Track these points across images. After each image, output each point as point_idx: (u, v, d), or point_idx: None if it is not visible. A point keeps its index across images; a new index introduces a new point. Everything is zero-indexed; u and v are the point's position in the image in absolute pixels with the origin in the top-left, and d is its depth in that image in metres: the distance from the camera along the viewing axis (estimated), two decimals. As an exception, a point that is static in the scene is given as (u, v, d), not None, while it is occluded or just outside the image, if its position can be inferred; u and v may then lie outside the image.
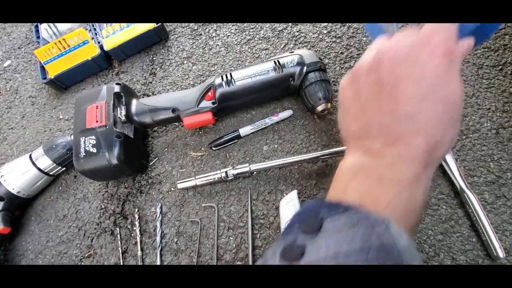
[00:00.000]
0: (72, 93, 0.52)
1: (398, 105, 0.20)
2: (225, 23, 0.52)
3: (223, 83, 0.39)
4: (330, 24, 0.48)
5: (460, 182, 0.33)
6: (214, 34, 0.52)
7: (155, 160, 0.43)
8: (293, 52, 0.40)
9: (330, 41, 0.47)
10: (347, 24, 0.48)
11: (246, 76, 0.39)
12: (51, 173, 0.42)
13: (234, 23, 0.52)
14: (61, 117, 0.50)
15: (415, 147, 0.19)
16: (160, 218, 0.38)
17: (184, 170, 0.41)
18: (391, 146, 0.20)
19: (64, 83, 0.51)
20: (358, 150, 0.22)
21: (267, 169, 0.38)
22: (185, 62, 0.50)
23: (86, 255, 0.39)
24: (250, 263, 0.34)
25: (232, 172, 0.37)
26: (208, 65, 0.49)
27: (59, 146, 0.41)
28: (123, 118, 0.38)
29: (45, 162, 0.41)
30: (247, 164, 0.37)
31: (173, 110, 0.39)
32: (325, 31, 0.48)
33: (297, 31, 0.49)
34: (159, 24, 0.49)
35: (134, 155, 0.39)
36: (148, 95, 0.48)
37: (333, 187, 0.22)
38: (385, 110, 0.20)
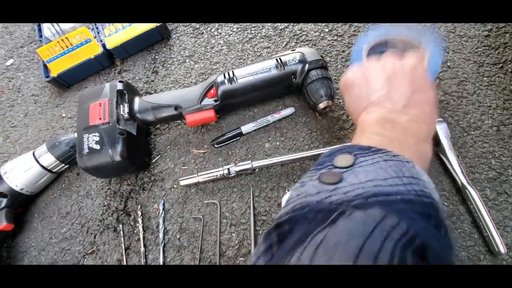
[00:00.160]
0: (75, 92, 0.52)
1: (412, 84, 0.26)
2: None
3: (225, 80, 0.39)
4: (331, 23, 0.49)
5: (461, 178, 0.33)
6: (216, 33, 0.52)
7: (157, 157, 0.43)
8: (294, 50, 0.40)
9: (332, 39, 0.47)
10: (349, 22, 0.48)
11: (248, 74, 0.39)
12: (54, 170, 0.42)
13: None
14: (63, 115, 0.50)
15: (428, 113, 0.26)
16: (162, 215, 0.39)
17: (186, 167, 0.41)
18: (411, 108, 0.25)
19: (66, 82, 0.52)
20: (382, 109, 0.26)
21: (269, 166, 0.38)
22: (187, 60, 0.50)
23: (89, 251, 0.39)
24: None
25: (234, 169, 0.37)
26: (210, 63, 0.49)
27: (62, 143, 0.41)
28: (126, 115, 0.38)
29: (49, 159, 0.41)
30: (249, 161, 0.37)
31: (176, 108, 0.39)
32: (326, 30, 0.48)
33: (299, 30, 0.49)
34: (161, 23, 0.50)
35: (137, 152, 0.39)
36: (150, 93, 0.49)
37: (360, 134, 0.25)
38: (404, 84, 0.26)
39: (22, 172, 0.40)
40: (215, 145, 0.41)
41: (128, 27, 0.50)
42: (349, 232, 0.15)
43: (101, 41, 0.51)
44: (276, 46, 0.48)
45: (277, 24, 0.50)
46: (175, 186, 0.40)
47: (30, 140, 0.50)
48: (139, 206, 0.40)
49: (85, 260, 0.39)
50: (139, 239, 0.38)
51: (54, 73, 0.50)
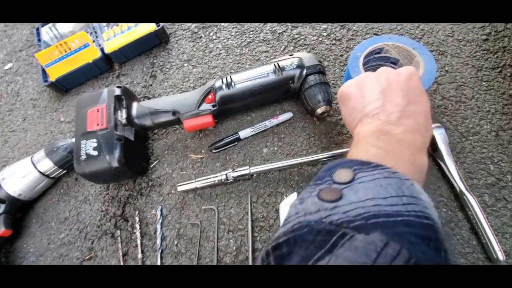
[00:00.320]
0: (73, 96, 0.52)
1: (406, 95, 0.27)
2: (225, 26, 0.53)
3: (223, 85, 0.39)
4: (329, 27, 0.48)
5: (460, 184, 0.33)
6: (214, 37, 0.52)
7: (155, 162, 0.43)
8: (292, 54, 0.40)
9: (330, 44, 0.47)
10: (347, 26, 0.48)
11: (246, 79, 0.39)
12: (52, 176, 0.42)
13: (234, 26, 0.52)
14: (62, 119, 0.50)
15: (422, 123, 0.26)
16: (160, 221, 0.38)
17: (184, 172, 0.41)
18: (406, 119, 0.25)
19: (65, 86, 0.52)
20: (377, 121, 0.26)
21: (267, 171, 0.38)
22: (185, 64, 0.50)
23: (87, 257, 0.39)
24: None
25: (232, 174, 0.37)
26: (208, 67, 0.49)
27: (60, 149, 0.41)
28: (123, 121, 0.38)
29: (46, 165, 0.41)
30: (247, 167, 0.37)
31: (174, 113, 0.39)
32: (324, 34, 0.48)
33: (297, 34, 0.49)
34: (160, 27, 0.50)
35: (135, 158, 0.39)
36: (148, 98, 0.49)
37: (355, 147, 0.25)
38: (399, 95, 0.26)
39: (20, 178, 0.40)
40: (213, 150, 0.41)
41: (127, 31, 0.50)
42: (351, 263, 0.15)
43: (99, 45, 0.51)
44: (274, 50, 0.48)
45: (275, 28, 0.50)
46: (172, 191, 0.40)
47: (29, 145, 0.50)
48: (137, 212, 0.40)
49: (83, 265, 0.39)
50: (136, 245, 0.38)
51: (52, 78, 0.50)
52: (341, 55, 0.46)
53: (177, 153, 0.43)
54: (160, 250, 0.37)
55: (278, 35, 0.50)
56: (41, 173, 0.41)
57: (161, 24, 0.50)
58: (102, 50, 0.50)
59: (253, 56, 0.49)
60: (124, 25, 0.51)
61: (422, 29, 0.46)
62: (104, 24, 0.53)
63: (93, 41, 0.52)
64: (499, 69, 0.40)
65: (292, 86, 0.39)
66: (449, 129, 0.37)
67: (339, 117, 0.41)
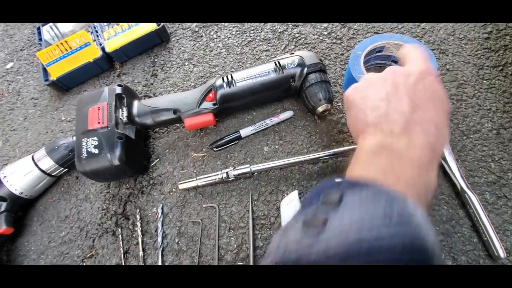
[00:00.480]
0: (74, 95, 0.52)
1: (413, 100, 0.23)
2: (226, 25, 0.53)
3: (224, 84, 0.39)
4: (330, 26, 0.48)
5: (461, 182, 0.33)
6: (215, 36, 0.52)
7: (156, 161, 0.43)
8: (293, 53, 0.40)
9: (331, 43, 0.47)
10: (347, 25, 0.48)
11: (246, 77, 0.39)
12: (53, 174, 0.42)
13: (235, 25, 0.52)
14: (63, 118, 0.50)
15: (429, 134, 0.22)
16: (161, 219, 0.39)
17: (185, 171, 0.41)
18: (410, 130, 0.22)
19: (66, 85, 0.52)
20: (379, 133, 0.23)
21: (268, 169, 0.38)
22: (186, 63, 0.50)
23: (88, 255, 0.39)
24: (251, 264, 0.34)
25: (233, 172, 0.37)
26: (209, 66, 0.49)
27: (61, 147, 0.41)
28: (124, 119, 0.38)
29: (47, 163, 0.41)
30: (248, 165, 0.37)
31: (174, 111, 0.39)
32: (325, 33, 0.48)
33: (298, 33, 0.49)
34: (160, 26, 0.50)
35: (136, 156, 0.39)
36: (149, 97, 0.49)
37: (355, 163, 0.23)
38: (403, 102, 0.23)
39: (21, 176, 0.40)
40: (214, 149, 0.41)
41: (127, 30, 0.50)
42: None
43: (100, 44, 0.51)
44: (275, 49, 0.48)
45: (276, 27, 0.50)
46: (173, 189, 0.40)
47: (30, 144, 0.50)
48: (138, 210, 0.40)
49: (84, 264, 0.39)
50: (137, 243, 0.38)
51: (53, 77, 0.50)
52: (342, 54, 0.46)
53: (178, 152, 0.43)
54: (161, 248, 0.37)
55: (278, 34, 0.50)
56: (42, 171, 0.41)
57: (162, 23, 0.50)
58: (103, 49, 0.50)
59: (254, 55, 0.49)
60: (125, 24, 0.51)
61: (423, 28, 0.46)
62: (105, 23, 0.53)
63: (94, 40, 0.52)
64: (501, 67, 0.40)
65: (293, 84, 0.39)
66: (450, 127, 0.37)
67: (340, 115, 0.41)
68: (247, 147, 0.41)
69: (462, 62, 0.42)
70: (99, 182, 0.43)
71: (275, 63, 0.39)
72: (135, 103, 0.41)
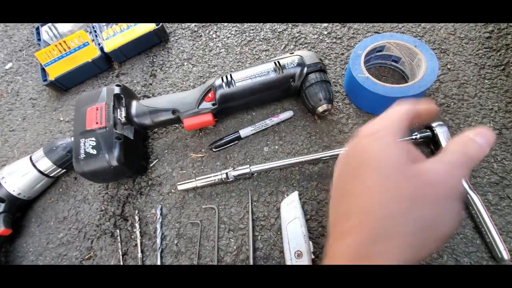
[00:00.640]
0: (73, 95, 0.52)
1: (413, 189, 0.17)
2: (225, 25, 0.52)
3: (223, 84, 0.39)
4: (330, 25, 0.48)
5: (463, 183, 0.32)
6: (214, 36, 0.52)
7: (155, 161, 0.43)
8: (293, 53, 0.40)
9: (331, 42, 0.47)
10: (347, 25, 0.48)
11: (246, 77, 0.39)
12: (51, 175, 0.42)
13: (234, 25, 0.52)
14: (61, 118, 0.50)
15: (422, 242, 0.17)
16: (160, 220, 0.38)
17: (184, 171, 0.41)
18: (399, 234, 0.17)
19: (64, 85, 0.52)
20: (355, 237, 0.18)
21: (268, 170, 0.37)
22: (185, 63, 0.50)
23: (86, 257, 0.39)
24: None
25: (232, 173, 0.37)
26: (208, 66, 0.49)
27: (59, 148, 0.41)
28: (123, 119, 0.38)
29: (45, 164, 0.41)
30: (248, 166, 0.37)
31: (173, 112, 0.39)
32: (325, 32, 0.48)
33: (297, 32, 0.49)
34: (159, 25, 0.49)
35: (134, 157, 0.39)
36: (148, 97, 0.48)
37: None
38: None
39: (19, 177, 0.40)
40: (213, 149, 0.41)
41: (126, 30, 0.50)
42: None
43: (99, 44, 0.51)
44: (275, 49, 0.48)
45: (276, 26, 0.50)
46: (172, 190, 0.40)
47: (28, 144, 0.49)
48: (137, 211, 0.39)
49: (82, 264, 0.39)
50: (136, 245, 0.38)
51: (52, 77, 0.49)
52: (342, 54, 0.45)
53: (177, 152, 0.43)
54: (160, 250, 0.37)
55: (278, 33, 0.49)
56: (40, 172, 0.41)
57: (161, 23, 0.50)
58: (101, 49, 0.50)
59: (253, 55, 0.48)
60: (124, 24, 0.50)
61: (423, 27, 0.45)
62: (104, 23, 0.53)
63: (93, 40, 0.52)
64: (502, 67, 0.40)
65: (293, 84, 0.39)
66: (451, 127, 0.37)
67: (340, 115, 0.41)
68: (247, 148, 0.41)
69: (463, 62, 0.41)
70: (98, 183, 0.43)
71: (274, 62, 0.39)
72: (134, 103, 0.40)
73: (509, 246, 0.30)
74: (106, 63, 0.52)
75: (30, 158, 0.41)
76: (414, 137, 0.35)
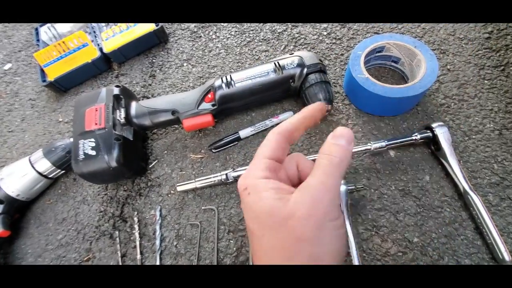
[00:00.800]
0: (72, 96, 0.52)
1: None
2: (224, 26, 0.52)
3: (223, 85, 0.38)
4: (330, 26, 0.48)
5: (463, 184, 0.32)
6: (214, 36, 0.52)
7: (154, 162, 0.42)
8: (293, 53, 0.40)
9: (330, 43, 0.47)
10: (347, 25, 0.48)
11: (246, 78, 0.39)
12: (50, 176, 0.42)
13: (234, 25, 0.52)
14: (60, 119, 0.50)
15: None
16: (159, 221, 0.38)
17: (183, 172, 0.41)
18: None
19: (63, 86, 0.51)
20: None
21: (268, 171, 0.37)
22: (184, 64, 0.50)
23: (85, 258, 0.39)
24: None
25: (232, 174, 0.37)
26: (208, 67, 0.49)
27: (58, 149, 0.41)
28: (122, 120, 0.38)
29: (44, 165, 0.40)
30: (248, 166, 0.36)
31: (173, 112, 0.39)
32: (325, 33, 0.48)
33: (297, 33, 0.48)
34: (159, 26, 0.49)
35: (134, 158, 0.39)
36: (147, 98, 0.48)
37: None
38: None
39: (18, 178, 0.40)
40: (212, 150, 0.41)
41: (126, 31, 0.50)
42: None
43: (98, 45, 0.51)
44: (274, 50, 0.48)
45: (275, 27, 0.50)
46: (172, 191, 0.40)
47: (27, 145, 0.49)
48: (136, 212, 0.39)
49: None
50: (135, 246, 0.37)
51: (51, 78, 0.49)
52: (342, 54, 0.45)
53: (177, 153, 0.42)
54: (159, 251, 0.36)
55: (278, 34, 0.49)
56: (39, 173, 0.40)
57: (160, 24, 0.50)
58: (101, 49, 0.50)
59: (253, 55, 0.48)
60: (123, 25, 0.50)
61: (423, 28, 0.45)
62: (103, 23, 0.53)
63: (92, 40, 0.52)
64: (502, 67, 0.40)
65: (293, 85, 0.39)
66: (451, 128, 0.37)
67: (340, 116, 0.41)
68: (247, 148, 0.41)
69: (463, 62, 0.41)
70: (97, 184, 0.43)
71: (274, 63, 0.39)
72: (133, 104, 0.40)
73: (510, 247, 0.30)
74: (106, 63, 0.51)
75: (29, 159, 0.41)
76: (414, 137, 0.35)
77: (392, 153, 0.37)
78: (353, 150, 0.30)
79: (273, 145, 0.21)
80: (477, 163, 0.35)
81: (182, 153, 0.42)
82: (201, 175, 0.39)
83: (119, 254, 0.37)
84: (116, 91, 0.39)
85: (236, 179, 0.37)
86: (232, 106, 0.40)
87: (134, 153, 0.39)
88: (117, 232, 0.39)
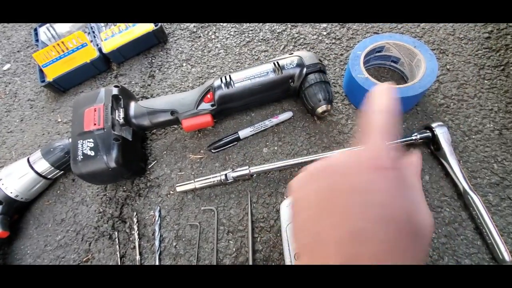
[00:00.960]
0: (71, 96, 0.52)
1: (349, 217, 0.16)
2: (224, 26, 0.52)
3: (222, 85, 0.38)
4: (329, 26, 0.48)
5: (463, 183, 0.32)
6: (213, 36, 0.52)
7: (153, 163, 0.42)
8: (292, 53, 0.40)
9: (330, 43, 0.47)
10: (347, 25, 0.48)
11: (245, 78, 0.38)
12: (49, 177, 0.42)
13: (233, 25, 0.52)
14: (59, 120, 0.50)
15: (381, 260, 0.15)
16: (158, 222, 0.38)
17: (183, 173, 0.41)
18: (350, 259, 0.15)
19: (62, 86, 0.51)
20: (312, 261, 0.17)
21: (267, 171, 0.37)
22: (184, 64, 0.50)
23: (84, 259, 0.38)
24: (250, 268, 0.33)
25: (231, 174, 0.37)
26: (207, 67, 0.49)
27: (57, 150, 0.40)
28: (121, 120, 0.38)
29: (43, 166, 0.40)
30: (247, 167, 0.36)
31: (172, 113, 0.39)
32: (324, 33, 0.48)
33: (297, 33, 0.48)
34: (158, 26, 0.49)
35: (133, 158, 0.39)
36: (146, 98, 0.48)
37: None
38: (336, 218, 0.17)
39: (17, 179, 0.40)
40: (212, 150, 0.41)
41: (125, 31, 0.50)
42: None
43: (97, 45, 0.51)
44: (274, 50, 0.48)
45: (275, 27, 0.50)
46: (171, 192, 0.40)
47: (26, 146, 0.49)
48: (135, 213, 0.39)
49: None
50: (134, 247, 0.37)
51: (50, 78, 0.49)
52: (341, 54, 0.45)
53: (176, 153, 0.42)
54: (158, 252, 0.36)
55: (277, 34, 0.49)
56: (38, 174, 0.40)
57: (159, 24, 0.49)
58: (100, 50, 0.50)
59: (253, 55, 0.48)
60: (122, 25, 0.50)
61: (422, 28, 0.45)
62: (102, 24, 0.53)
63: (91, 41, 0.51)
64: (502, 67, 0.40)
65: (292, 85, 0.39)
66: (451, 128, 0.37)
67: (339, 116, 0.41)
68: (246, 149, 0.41)
69: (462, 62, 0.41)
70: (96, 185, 0.42)
71: (274, 63, 0.39)
72: (132, 104, 0.40)
73: (510, 247, 0.30)
74: (105, 64, 0.51)
75: (28, 160, 0.41)
76: (414, 137, 0.35)
77: (391, 153, 0.37)
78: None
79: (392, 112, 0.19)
80: (476, 163, 0.35)
81: (182, 153, 0.42)
82: (201, 176, 0.39)
83: (118, 255, 0.37)
84: (115, 91, 0.39)
85: (235, 179, 0.37)
86: (232, 106, 0.40)
87: (133, 153, 0.39)
88: (116, 233, 0.39)
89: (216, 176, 0.37)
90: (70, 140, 0.38)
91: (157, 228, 0.37)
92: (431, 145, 0.35)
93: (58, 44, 0.49)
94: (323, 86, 0.37)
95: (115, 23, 0.51)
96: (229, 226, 0.36)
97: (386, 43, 0.38)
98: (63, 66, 0.49)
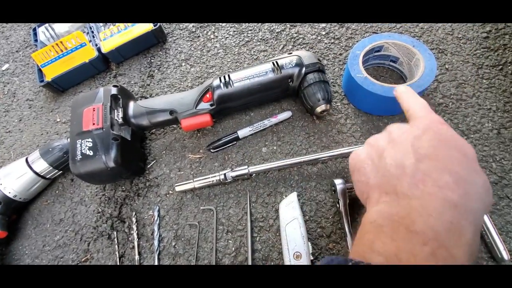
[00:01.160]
0: (70, 96, 0.52)
1: (418, 152, 0.19)
2: (223, 25, 0.52)
3: (221, 84, 0.38)
4: (328, 26, 0.48)
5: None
6: (212, 36, 0.52)
7: (152, 162, 0.42)
8: (291, 53, 0.40)
9: (329, 42, 0.47)
10: (346, 25, 0.48)
11: (244, 77, 0.38)
12: (47, 177, 0.42)
13: (232, 25, 0.52)
14: (58, 120, 0.50)
15: (445, 187, 0.17)
16: (157, 222, 0.38)
17: (182, 172, 0.41)
18: (418, 187, 0.18)
19: (61, 86, 0.51)
20: (384, 198, 0.19)
21: (266, 171, 0.37)
22: (183, 64, 0.50)
23: (82, 259, 0.38)
24: (249, 267, 0.33)
25: (230, 174, 0.37)
26: (206, 67, 0.49)
27: (55, 149, 0.40)
28: (120, 120, 0.38)
29: (42, 166, 0.40)
30: (246, 166, 0.36)
31: (171, 112, 0.39)
32: (323, 33, 0.48)
33: (296, 33, 0.48)
34: (157, 26, 0.49)
35: (132, 158, 0.39)
36: (145, 98, 0.48)
37: (360, 238, 0.20)
38: (405, 155, 0.20)
39: (15, 179, 0.40)
40: (211, 150, 0.41)
41: (124, 30, 0.50)
42: None
43: (96, 45, 0.51)
44: (273, 49, 0.48)
45: (274, 27, 0.50)
46: (170, 192, 0.40)
47: (25, 146, 0.49)
48: (134, 213, 0.39)
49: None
50: (133, 247, 0.37)
51: (48, 78, 0.49)
52: (340, 54, 0.45)
53: (175, 153, 0.42)
54: (157, 252, 0.36)
55: (276, 34, 0.49)
56: (36, 173, 0.40)
57: (158, 24, 0.49)
58: (99, 49, 0.50)
59: (252, 55, 0.48)
60: (121, 25, 0.50)
61: (421, 28, 0.45)
62: (101, 23, 0.53)
63: (90, 40, 0.51)
64: (500, 66, 0.40)
65: (291, 84, 0.39)
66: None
67: (338, 116, 0.41)
68: (245, 148, 0.41)
69: (461, 62, 0.41)
70: (94, 185, 0.42)
71: (273, 63, 0.39)
72: (131, 104, 0.40)
73: (509, 246, 0.30)
74: (104, 64, 0.51)
75: (26, 160, 0.40)
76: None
77: (390, 152, 0.37)
78: (351, 150, 0.30)
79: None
80: (475, 162, 0.35)
81: (181, 153, 0.42)
82: (200, 175, 0.39)
83: (117, 255, 0.37)
84: (114, 91, 0.39)
85: (234, 179, 0.37)
86: (231, 106, 0.40)
87: (132, 153, 0.39)
88: (115, 233, 0.39)
89: (215, 176, 0.37)
90: (69, 140, 0.38)
91: (156, 228, 0.37)
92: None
93: (57, 44, 0.49)
94: (322, 85, 0.37)
95: (114, 23, 0.51)
96: (228, 225, 0.36)
97: (385, 43, 0.38)
98: (62, 66, 0.49)
